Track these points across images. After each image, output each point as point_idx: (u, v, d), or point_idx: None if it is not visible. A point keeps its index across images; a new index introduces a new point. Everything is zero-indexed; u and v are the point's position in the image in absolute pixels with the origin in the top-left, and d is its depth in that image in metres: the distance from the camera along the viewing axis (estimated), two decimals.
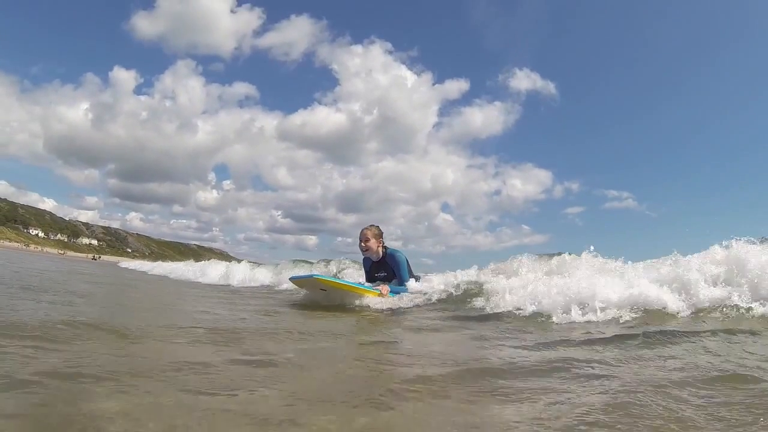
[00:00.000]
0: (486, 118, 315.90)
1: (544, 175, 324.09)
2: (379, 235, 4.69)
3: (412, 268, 4.76)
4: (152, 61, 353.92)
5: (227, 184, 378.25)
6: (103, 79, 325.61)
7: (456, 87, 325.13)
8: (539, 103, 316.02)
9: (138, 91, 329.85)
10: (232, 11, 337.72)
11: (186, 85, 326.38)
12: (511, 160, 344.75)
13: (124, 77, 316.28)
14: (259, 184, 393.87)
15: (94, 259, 58.19)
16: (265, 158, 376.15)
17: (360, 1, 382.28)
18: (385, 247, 4.69)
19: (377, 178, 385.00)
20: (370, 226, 4.73)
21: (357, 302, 4.03)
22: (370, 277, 4.76)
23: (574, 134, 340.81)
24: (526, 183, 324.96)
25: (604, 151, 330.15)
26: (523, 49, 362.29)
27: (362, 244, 4.67)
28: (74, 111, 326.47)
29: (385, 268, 4.66)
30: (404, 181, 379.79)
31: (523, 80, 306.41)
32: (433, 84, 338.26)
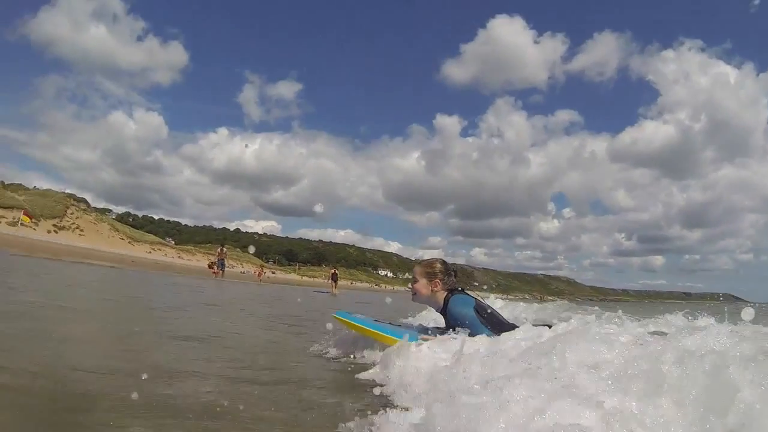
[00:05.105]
0: None
1: None
2: (435, 274, 3.10)
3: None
4: (471, 104, 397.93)
5: (567, 212, 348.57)
6: (428, 128, 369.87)
7: None
8: None
9: (464, 133, 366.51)
10: (535, 42, 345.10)
11: (510, 121, 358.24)
12: None
13: (448, 123, 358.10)
14: (599, 208, 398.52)
15: None
16: (601, 182, 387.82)
17: (657, 5, 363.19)
18: (450, 291, 3.06)
19: (718, 187, 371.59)
20: (430, 260, 3.21)
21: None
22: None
23: None
24: None
25: None
26: None
27: (409, 286, 3.29)
28: (407, 161, 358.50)
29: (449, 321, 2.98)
30: (748, 188, 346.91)
31: None
32: (757, 74, 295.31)
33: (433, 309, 3.27)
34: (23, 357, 2.03)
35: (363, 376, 2.39)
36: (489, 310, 2.95)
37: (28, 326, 2.91)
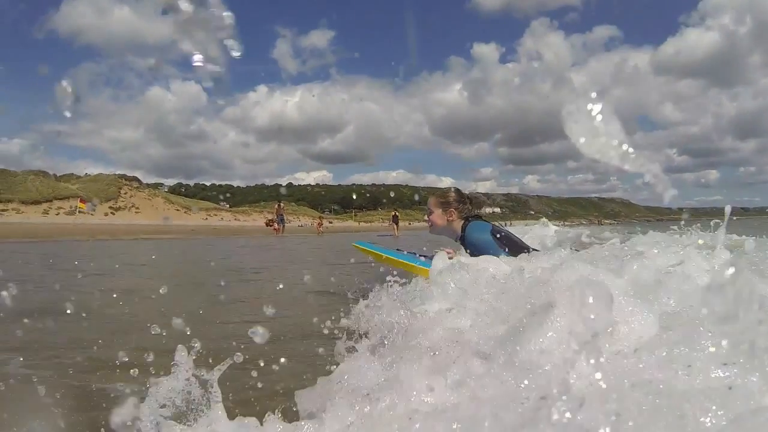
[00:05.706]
0: None
1: None
2: (449, 204, 3.10)
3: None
4: (507, 29, 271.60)
5: None
6: (467, 58, 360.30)
7: None
8: None
9: (503, 59, 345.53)
10: None
11: (548, 43, 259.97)
12: None
13: (485, 51, 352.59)
14: (647, 124, 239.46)
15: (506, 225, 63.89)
16: (647, 96, 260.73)
17: None
18: (466, 219, 3.07)
19: None
20: (444, 190, 3.24)
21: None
22: None
23: None
24: None
25: None
26: None
27: (425, 218, 3.27)
28: (449, 93, 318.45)
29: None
30: None
31: None
32: None
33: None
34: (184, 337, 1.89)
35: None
36: (505, 234, 3.00)
37: (142, 306, 2.88)
